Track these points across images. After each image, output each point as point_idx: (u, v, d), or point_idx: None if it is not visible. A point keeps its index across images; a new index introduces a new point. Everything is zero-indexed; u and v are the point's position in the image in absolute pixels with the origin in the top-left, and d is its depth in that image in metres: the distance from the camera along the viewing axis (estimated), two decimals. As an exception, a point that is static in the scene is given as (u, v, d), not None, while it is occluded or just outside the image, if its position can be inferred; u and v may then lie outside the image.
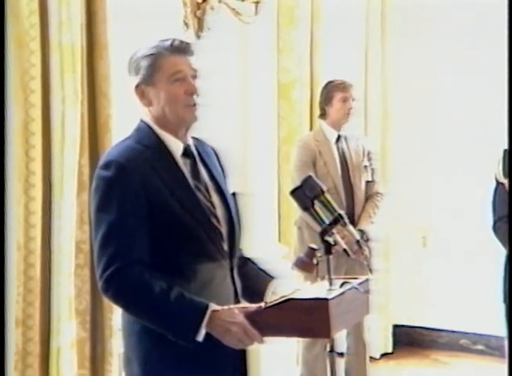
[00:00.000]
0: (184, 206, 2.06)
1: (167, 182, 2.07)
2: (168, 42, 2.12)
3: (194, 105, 2.11)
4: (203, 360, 2.03)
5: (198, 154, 2.19)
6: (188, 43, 2.16)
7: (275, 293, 2.14)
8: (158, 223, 2.04)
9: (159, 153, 2.11)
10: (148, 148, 2.10)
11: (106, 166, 2.06)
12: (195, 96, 2.11)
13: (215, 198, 2.16)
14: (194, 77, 2.13)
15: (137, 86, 2.13)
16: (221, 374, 2.12)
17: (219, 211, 2.15)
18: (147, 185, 2.04)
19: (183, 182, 2.10)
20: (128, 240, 2.01)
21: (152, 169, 2.06)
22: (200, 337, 1.95)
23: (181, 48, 2.12)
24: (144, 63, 2.11)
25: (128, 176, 2.03)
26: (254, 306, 2.02)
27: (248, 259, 2.30)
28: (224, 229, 2.15)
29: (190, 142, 2.18)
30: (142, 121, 2.16)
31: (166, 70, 2.10)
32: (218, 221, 2.14)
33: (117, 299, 2.05)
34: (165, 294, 1.97)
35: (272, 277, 2.23)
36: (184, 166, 2.13)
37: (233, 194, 2.24)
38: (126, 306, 2.06)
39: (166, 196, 2.05)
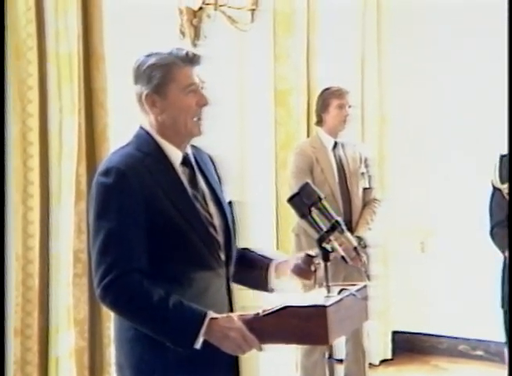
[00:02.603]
0: (182, 215, 2.06)
1: (167, 191, 2.06)
2: (183, 52, 2.10)
3: (199, 119, 2.10)
4: (195, 367, 2.02)
5: (196, 163, 2.18)
6: (199, 55, 2.14)
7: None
8: (156, 231, 2.03)
9: (158, 160, 2.10)
10: (148, 155, 2.09)
11: (106, 173, 2.03)
12: (203, 109, 2.10)
13: (212, 207, 2.16)
14: (202, 88, 2.12)
15: (147, 95, 2.10)
16: None
17: (216, 220, 2.15)
18: (146, 192, 2.03)
19: (182, 191, 2.10)
20: (126, 248, 2.00)
21: (151, 176, 2.05)
22: (198, 344, 1.95)
23: (194, 60, 2.11)
24: (157, 73, 2.08)
25: (127, 183, 2.01)
26: (251, 313, 2.01)
27: (245, 249, 2.29)
28: (221, 238, 2.15)
29: (189, 150, 2.17)
30: (141, 127, 2.15)
31: (181, 81, 2.08)
32: (216, 230, 2.14)
33: (115, 307, 2.04)
34: (164, 301, 1.96)
35: (271, 259, 2.24)
36: (183, 175, 2.12)
37: (229, 203, 2.24)
38: (124, 314, 2.04)
39: (165, 204, 2.04)
